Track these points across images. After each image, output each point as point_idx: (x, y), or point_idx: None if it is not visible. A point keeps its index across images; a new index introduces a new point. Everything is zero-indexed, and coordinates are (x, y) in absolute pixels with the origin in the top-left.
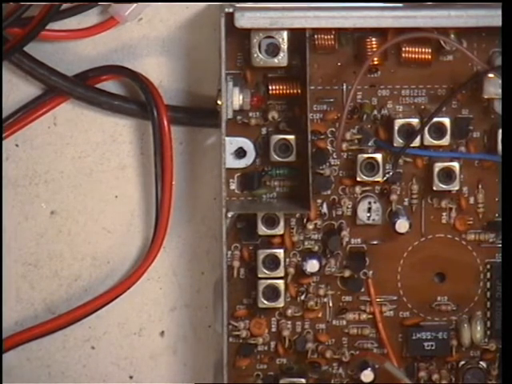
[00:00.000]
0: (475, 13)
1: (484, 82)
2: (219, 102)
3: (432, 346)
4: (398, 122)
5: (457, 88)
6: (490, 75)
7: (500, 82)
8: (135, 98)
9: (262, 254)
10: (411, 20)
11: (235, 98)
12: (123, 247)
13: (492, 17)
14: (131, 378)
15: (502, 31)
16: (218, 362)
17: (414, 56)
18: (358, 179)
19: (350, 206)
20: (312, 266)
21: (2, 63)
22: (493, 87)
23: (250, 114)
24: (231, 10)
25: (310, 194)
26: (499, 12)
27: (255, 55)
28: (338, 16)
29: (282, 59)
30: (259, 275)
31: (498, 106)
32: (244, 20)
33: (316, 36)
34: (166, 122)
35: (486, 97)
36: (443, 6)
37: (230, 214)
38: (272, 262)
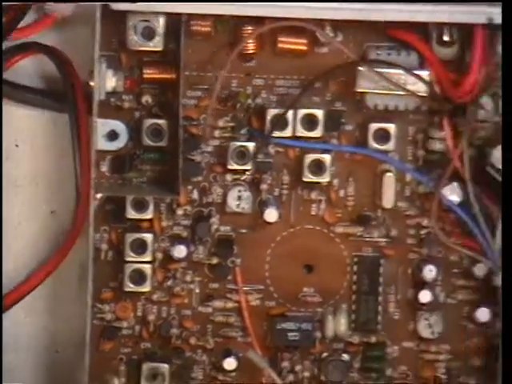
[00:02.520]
0: (350, 6)
1: (357, 75)
2: (91, 83)
3: (296, 336)
4: (270, 112)
5: (322, 75)
6: (361, 68)
7: (373, 75)
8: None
9: (130, 237)
10: (287, 10)
11: (108, 80)
12: None
13: (368, 11)
14: None
15: (502, 31)
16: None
17: (289, 47)
18: (229, 167)
19: (220, 194)
20: (179, 251)
21: (2, 62)
22: (365, 81)
23: (124, 97)
24: None
25: (179, 179)
26: (375, 6)
27: (130, 38)
28: (213, 2)
29: (157, 43)
30: (126, 259)
31: (369, 100)
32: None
33: (192, 22)
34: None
35: (358, 90)
36: None
37: (98, 196)
38: (140, 246)
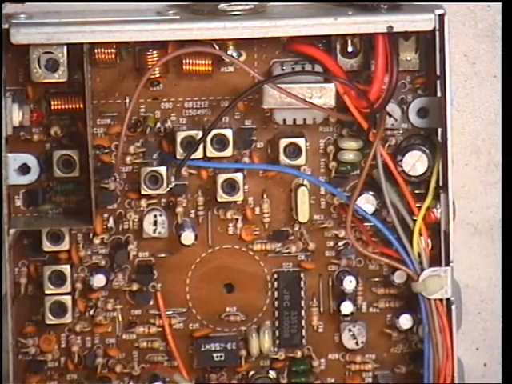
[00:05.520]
0: (251, 24)
1: (263, 92)
2: None
3: (221, 356)
4: (180, 135)
5: (232, 100)
6: (266, 86)
7: (277, 93)
8: None
9: (48, 269)
10: (187, 32)
11: (14, 114)
12: None
13: (267, 28)
14: None
15: (502, 31)
16: (5, 379)
17: (194, 68)
18: (143, 192)
19: (136, 220)
20: (98, 280)
21: (3, 65)
22: (271, 98)
23: (33, 130)
24: (7, 26)
25: (92, 208)
26: (275, 23)
27: (35, 71)
28: (114, 30)
29: (62, 74)
30: (46, 291)
31: (277, 116)
32: (20, 36)
33: (96, 50)
34: None
35: (265, 107)
36: (219, 18)
37: (12, 231)
38: (58, 278)
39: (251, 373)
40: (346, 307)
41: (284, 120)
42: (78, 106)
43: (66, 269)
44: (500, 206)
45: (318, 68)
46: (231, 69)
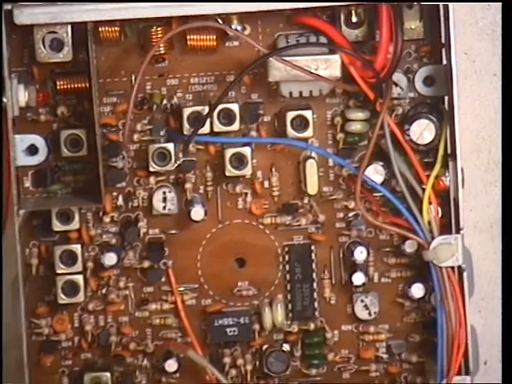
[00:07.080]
0: None
1: (268, 66)
2: (4, 100)
3: (234, 331)
4: (187, 111)
5: (237, 74)
6: (272, 59)
7: (282, 65)
8: None
9: (59, 249)
10: (191, 8)
11: (21, 95)
12: None
13: (270, 0)
14: None
15: (502, 29)
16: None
17: (199, 43)
18: (152, 169)
19: (145, 197)
20: (110, 258)
21: (3, 62)
22: (277, 71)
23: (40, 111)
24: (10, 7)
25: (101, 187)
26: None
27: (39, 51)
28: (118, 7)
29: (66, 54)
30: (57, 271)
31: (283, 89)
32: (23, 16)
33: (100, 28)
34: None
35: (271, 80)
36: None
37: (21, 212)
38: (69, 258)
39: (265, 347)
40: (358, 278)
41: (290, 93)
42: (83, 85)
43: (76, 248)
44: (500, 205)
45: (322, 39)
46: (236, 43)
